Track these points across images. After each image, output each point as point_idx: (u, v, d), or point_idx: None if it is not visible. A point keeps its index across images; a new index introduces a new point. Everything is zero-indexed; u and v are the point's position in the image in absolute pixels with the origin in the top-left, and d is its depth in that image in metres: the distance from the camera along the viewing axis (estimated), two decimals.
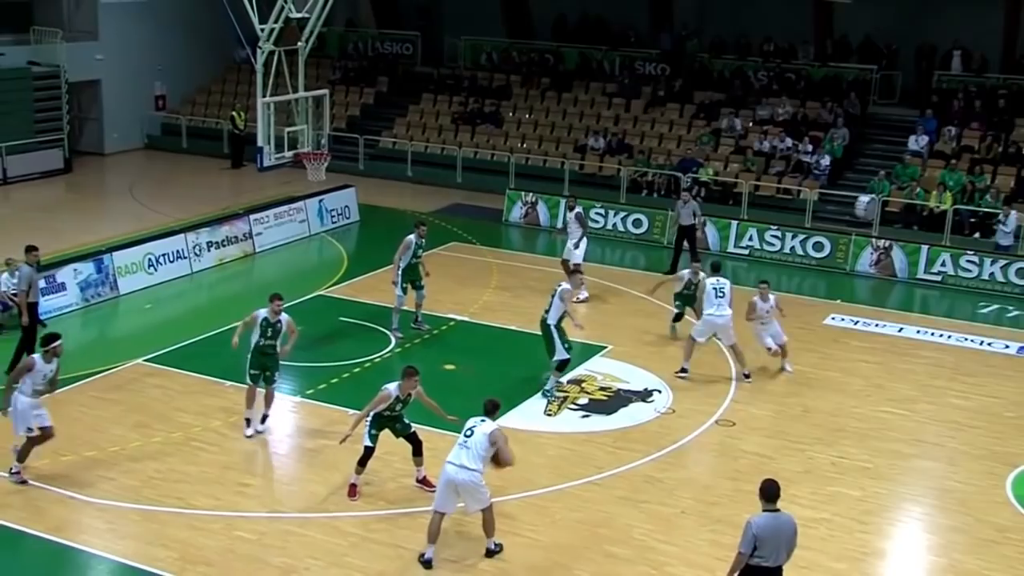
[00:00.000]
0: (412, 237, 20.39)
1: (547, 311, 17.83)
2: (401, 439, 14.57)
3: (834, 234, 26.75)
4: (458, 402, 17.94)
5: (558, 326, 17.76)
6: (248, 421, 16.27)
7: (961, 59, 32.82)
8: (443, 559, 12.97)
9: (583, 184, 31.17)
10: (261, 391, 16.30)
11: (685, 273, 20.78)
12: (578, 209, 23.52)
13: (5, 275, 20.58)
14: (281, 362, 16.39)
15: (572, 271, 21.24)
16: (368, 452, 14.33)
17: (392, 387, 14.18)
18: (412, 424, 14.60)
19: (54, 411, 16.45)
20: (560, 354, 17.74)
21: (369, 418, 14.29)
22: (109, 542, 13.29)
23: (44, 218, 28.67)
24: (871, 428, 17.28)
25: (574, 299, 19.03)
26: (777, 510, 10.74)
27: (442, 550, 13.01)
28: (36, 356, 14.78)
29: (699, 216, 25.31)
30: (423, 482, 14.64)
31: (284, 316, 16.09)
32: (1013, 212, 26.05)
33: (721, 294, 18.77)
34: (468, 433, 12.83)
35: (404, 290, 20.44)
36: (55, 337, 14.85)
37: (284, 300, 16.41)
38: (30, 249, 18.72)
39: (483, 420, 12.98)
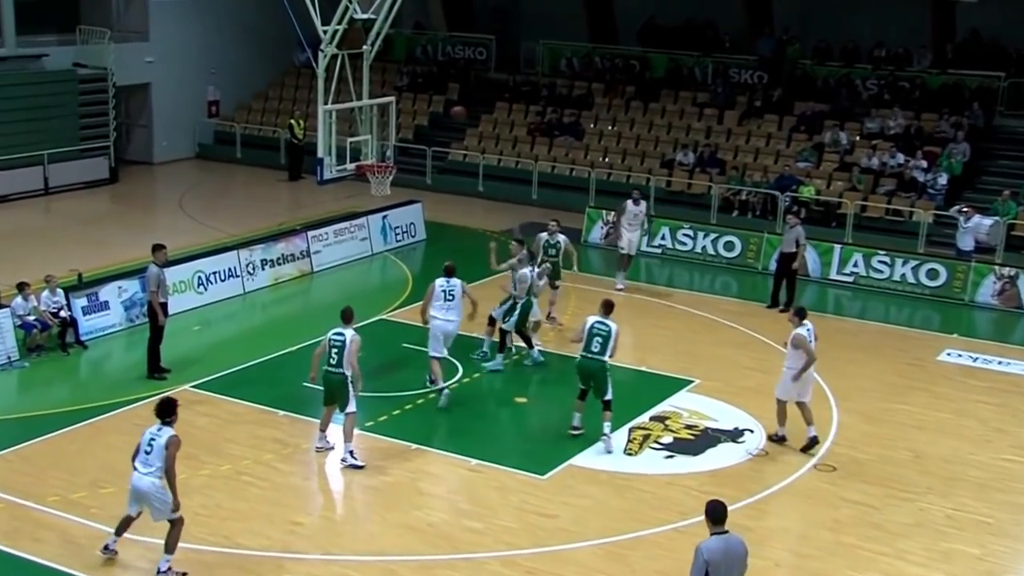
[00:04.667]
0: (544, 235, 22.61)
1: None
2: None
3: (951, 260, 26.39)
4: (530, 438, 18.12)
5: None
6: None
7: None
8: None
9: (670, 203, 31.12)
10: None
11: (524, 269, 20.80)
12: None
13: (45, 293, 20.87)
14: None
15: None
16: None
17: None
18: None
19: (92, 440, 16.79)
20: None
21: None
22: None
23: (88, 231, 29.29)
24: (991, 478, 16.97)
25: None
26: (726, 532, 10.56)
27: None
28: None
29: (803, 243, 24.52)
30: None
31: None
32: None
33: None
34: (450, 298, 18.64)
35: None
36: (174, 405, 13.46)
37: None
38: (157, 248, 19.58)
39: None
